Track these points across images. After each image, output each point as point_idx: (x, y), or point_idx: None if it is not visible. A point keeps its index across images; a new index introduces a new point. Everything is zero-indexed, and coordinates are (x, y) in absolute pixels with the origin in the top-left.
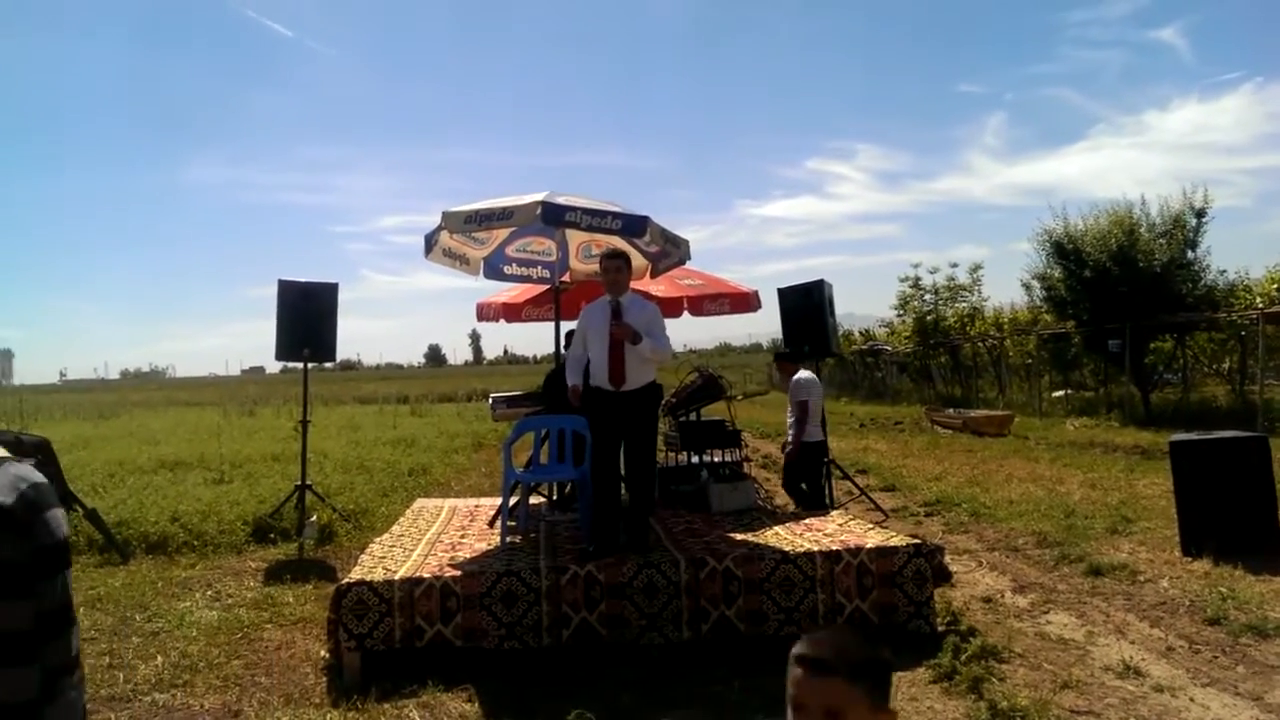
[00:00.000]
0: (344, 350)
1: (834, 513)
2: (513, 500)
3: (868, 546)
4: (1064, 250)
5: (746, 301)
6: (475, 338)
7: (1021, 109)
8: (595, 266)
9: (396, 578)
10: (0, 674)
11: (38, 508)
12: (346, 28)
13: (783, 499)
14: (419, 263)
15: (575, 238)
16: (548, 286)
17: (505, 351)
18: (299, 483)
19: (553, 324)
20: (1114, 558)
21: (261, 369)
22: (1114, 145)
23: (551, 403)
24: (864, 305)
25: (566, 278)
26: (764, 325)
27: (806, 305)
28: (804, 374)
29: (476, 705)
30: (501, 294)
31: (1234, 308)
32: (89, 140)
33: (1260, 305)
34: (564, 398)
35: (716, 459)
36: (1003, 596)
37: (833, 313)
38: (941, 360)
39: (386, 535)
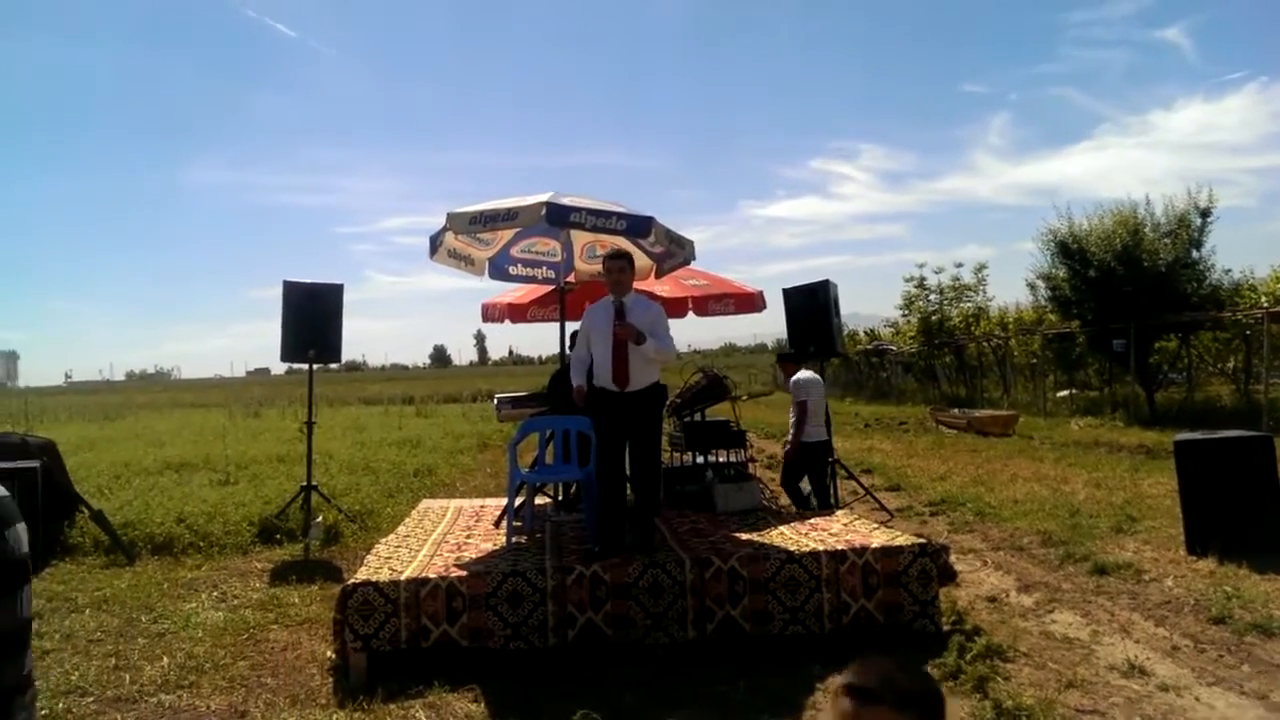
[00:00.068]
0: (349, 351)
1: (839, 512)
2: (518, 501)
3: (873, 546)
4: (1069, 250)
5: (751, 302)
6: (480, 338)
7: (1026, 109)
8: (599, 267)
9: (402, 578)
10: None
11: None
12: (349, 28)
13: (787, 499)
14: (424, 263)
15: (580, 238)
16: (553, 287)
17: (510, 352)
18: (304, 483)
19: (558, 324)
20: (1119, 557)
21: (267, 370)
22: (1119, 145)
23: (556, 403)
24: (869, 305)
25: (571, 278)
26: (769, 326)
27: (811, 305)
28: (804, 374)
29: (482, 705)
30: (506, 294)
31: (1239, 307)
32: (93, 142)
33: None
34: (569, 398)
35: (721, 459)
36: (1008, 596)
37: (838, 313)
38: (946, 360)
39: (392, 536)
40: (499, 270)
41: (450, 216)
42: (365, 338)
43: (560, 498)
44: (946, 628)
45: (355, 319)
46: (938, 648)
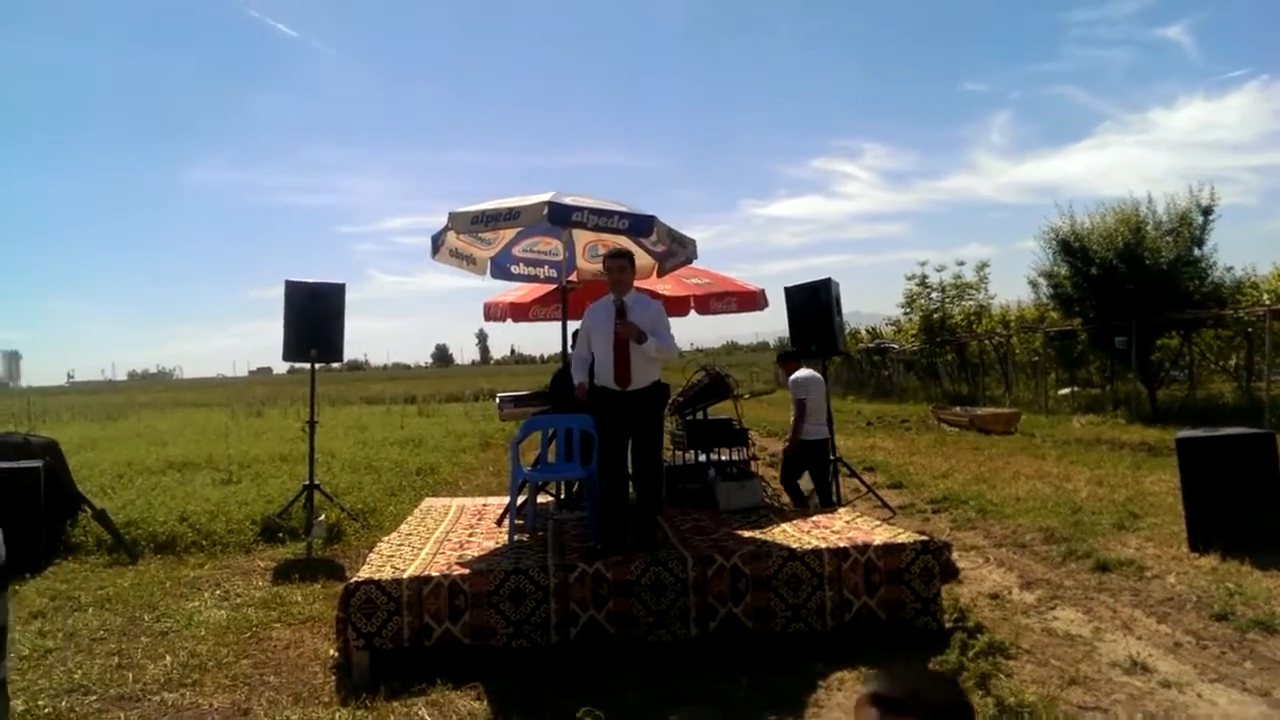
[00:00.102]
0: (351, 351)
1: (841, 510)
2: (520, 499)
3: (875, 543)
4: (1070, 248)
5: (753, 300)
6: (482, 337)
7: (1027, 107)
8: (601, 266)
9: (405, 576)
10: None
11: None
12: (350, 28)
13: (789, 497)
14: (426, 263)
15: (582, 237)
16: (555, 286)
17: (512, 351)
18: (307, 482)
19: (560, 323)
20: (1121, 554)
21: (269, 370)
22: (1120, 143)
23: (559, 402)
24: (871, 304)
25: (573, 277)
26: (771, 324)
27: (813, 304)
28: (803, 372)
29: (485, 703)
30: (509, 294)
31: (1240, 304)
32: (95, 142)
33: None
34: (571, 397)
35: (724, 457)
36: (1010, 593)
37: (839, 311)
38: (948, 358)
39: (394, 534)
40: (501, 269)
41: (452, 216)
42: (367, 337)
43: (562, 496)
44: (949, 625)
45: (357, 318)
46: (940, 645)
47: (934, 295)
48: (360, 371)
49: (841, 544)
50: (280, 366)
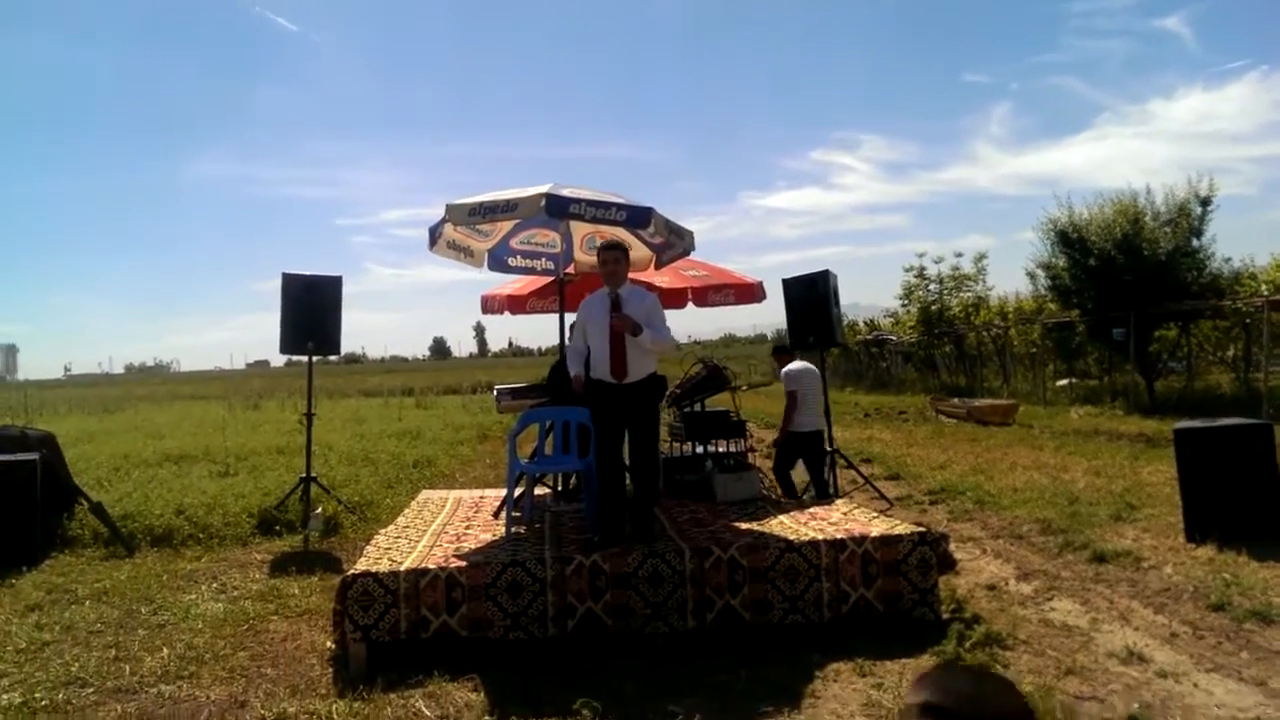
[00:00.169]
0: (348, 343)
1: (838, 501)
2: (518, 491)
3: (872, 535)
4: (1069, 239)
5: (751, 292)
6: (480, 330)
7: (1027, 99)
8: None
9: (402, 569)
10: None
11: None
12: (350, 21)
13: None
14: (423, 255)
15: (579, 229)
16: (552, 278)
17: (510, 343)
18: (304, 475)
19: (557, 315)
20: (1118, 544)
21: (266, 362)
22: (1119, 134)
23: (556, 394)
24: (869, 295)
25: (571, 269)
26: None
27: (811, 296)
28: (795, 365)
29: (482, 695)
30: (506, 286)
31: (1239, 295)
32: (95, 139)
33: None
34: (568, 389)
35: (721, 449)
36: (1007, 584)
37: (837, 303)
38: (946, 350)
39: (391, 527)
40: (498, 262)
41: (449, 208)
42: (365, 330)
43: (560, 488)
44: (946, 616)
45: (354, 311)
46: (937, 636)
47: (932, 287)
48: (357, 364)
49: (839, 536)
50: (277, 359)
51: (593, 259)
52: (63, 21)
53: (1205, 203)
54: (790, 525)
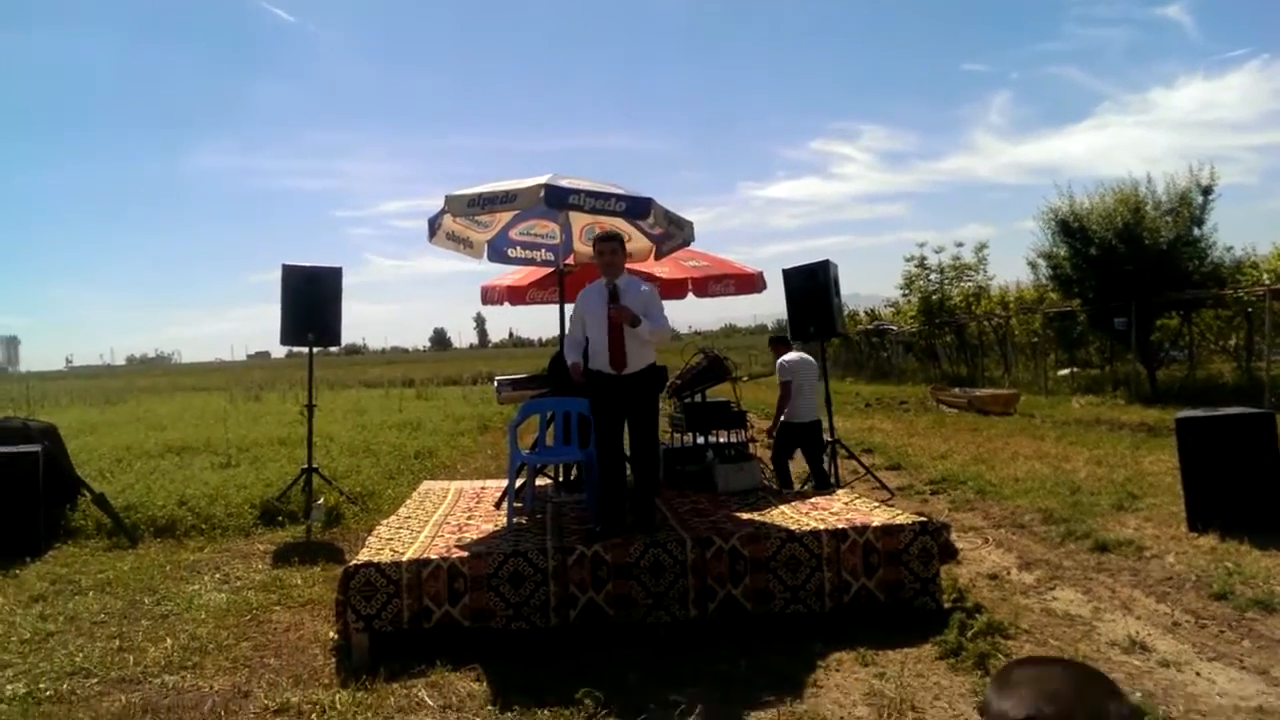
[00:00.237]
0: (349, 334)
1: (840, 491)
2: (519, 482)
3: (874, 525)
4: (1070, 228)
5: (751, 282)
6: (480, 321)
7: (1027, 87)
8: None
9: (404, 559)
10: None
11: None
12: (348, 11)
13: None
14: (423, 246)
15: (579, 220)
16: (552, 269)
17: (510, 334)
18: (306, 466)
19: (557, 306)
20: (1120, 534)
21: (267, 354)
22: (1119, 123)
23: (557, 385)
24: (869, 285)
25: (570, 260)
26: (769, 306)
27: (811, 286)
28: (791, 355)
29: (485, 685)
30: (506, 277)
31: (1240, 284)
32: (93, 129)
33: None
34: (569, 380)
35: (722, 440)
36: (1009, 573)
37: (838, 293)
38: (947, 339)
39: (393, 517)
40: (498, 253)
41: (449, 199)
42: (365, 321)
43: (561, 479)
44: (947, 605)
45: (355, 302)
46: (939, 625)
47: (933, 276)
48: (358, 355)
49: (840, 525)
50: (278, 350)
51: (591, 249)
52: (60, 13)
53: (1206, 191)
54: (791, 515)
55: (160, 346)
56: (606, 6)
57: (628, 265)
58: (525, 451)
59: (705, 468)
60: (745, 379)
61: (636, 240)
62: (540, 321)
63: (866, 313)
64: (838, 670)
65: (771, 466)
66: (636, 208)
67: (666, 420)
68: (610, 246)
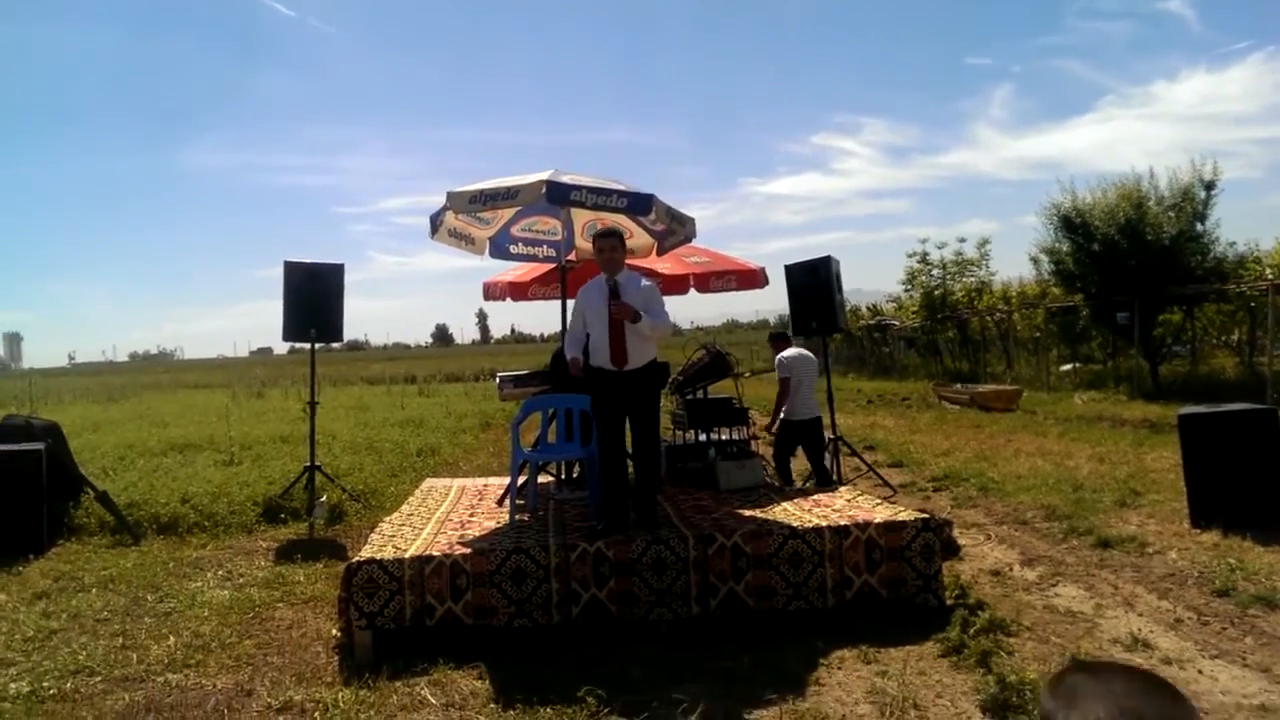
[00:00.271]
0: (351, 331)
1: (842, 488)
2: (521, 479)
3: (876, 521)
4: (1072, 224)
5: (753, 278)
6: (482, 317)
7: (1029, 81)
8: None
9: (406, 556)
10: None
11: None
12: (348, 6)
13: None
14: (425, 243)
15: (580, 216)
16: (554, 265)
17: (512, 330)
18: (308, 463)
19: (559, 302)
20: (1122, 530)
21: (270, 350)
22: (1122, 117)
23: (559, 381)
24: (871, 281)
25: (572, 256)
26: (771, 302)
27: (814, 282)
28: (789, 352)
29: (487, 682)
30: (508, 273)
31: (1243, 279)
32: (94, 125)
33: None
34: (571, 376)
35: (724, 436)
36: (1011, 570)
37: (840, 289)
38: (949, 335)
39: (396, 514)
40: (500, 249)
41: (450, 196)
42: (367, 317)
43: (563, 476)
44: (949, 602)
45: (357, 299)
46: (941, 622)
47: (935, 272)
48: (360, 352)
49: (842, 522)
50: (281, 347)
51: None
52: (60, 7)
53: (1209, 186)
54: (794, 512)
55: (163, 343)
56: (609, 2)
57: (631, 261)
58: (527, 449)
59: (708, 465)
60: (747, 375)
61: (638, 236)
62: (542, 318)
63: (868, 308)
64: (840, 667)
65: (773, 464)
66: (638, 204)
67: (668, 417)
68: (610, 243)
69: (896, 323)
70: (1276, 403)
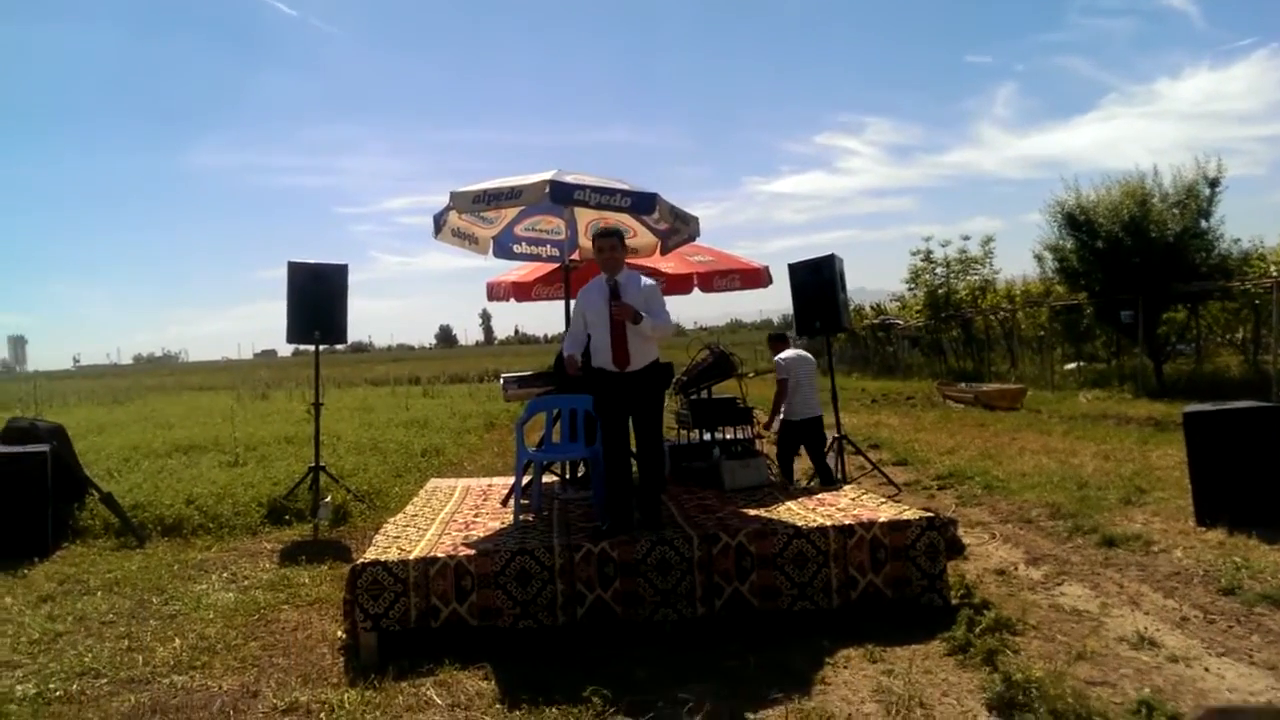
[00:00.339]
0: (355, 332)
1: (846, 487)
2: (525, 479)
3: (880, 520)
4: (1076, 221)
5: (757, 277)
6: (486, 317)
7: (1032, 79)
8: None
9: (411, 557)
10: None
11: None
12: (350, 6)
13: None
14: (428, 243)
15: (584, 216)
16: (557, 265)
17: (516, 331)
18: (313, 464)
19: (563, 302)
20: (1128, 529)
21: (274, 352)
22: (1125, 115)
23: (563, 382)
24: (875, 280)
25: (576, 256)
26: (775, 301)
27: (817, 280)
28: (787, 353)
29: (493, 683)
30: (511, 273)
31: (1248, 277)
32: (94, 125)
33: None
34: (576, 377)
35: (728, 436)
36: (1016, 569)
37: (844, 288)
38: (953, 334)
39: (400, 515)
40: (503, 249)
41: (454, 195)
42: (371, 318)
43: (567, 476)
44: (955, 601)
45: (360, 299)
46: (946, 621)
47: (939, 270)
48: (364, 353)
49: (847, 521)
50: (285, 349)
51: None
52: (61, 7)
53: (1213, 183)
54: (798, 511)
55: (167, 345)
56: (611, 1)
57: (635, 260)
58: (532, 449)
59: (712, 464)
60: (751, 375)
61: (642, 236)
62: (546, 318)
63: (872, 307)
64: (845, 667)
65: (777, 464)
66: (642, 203)
67: (673, 417)
68: (610, 242)
69: (900, 322)
70: None
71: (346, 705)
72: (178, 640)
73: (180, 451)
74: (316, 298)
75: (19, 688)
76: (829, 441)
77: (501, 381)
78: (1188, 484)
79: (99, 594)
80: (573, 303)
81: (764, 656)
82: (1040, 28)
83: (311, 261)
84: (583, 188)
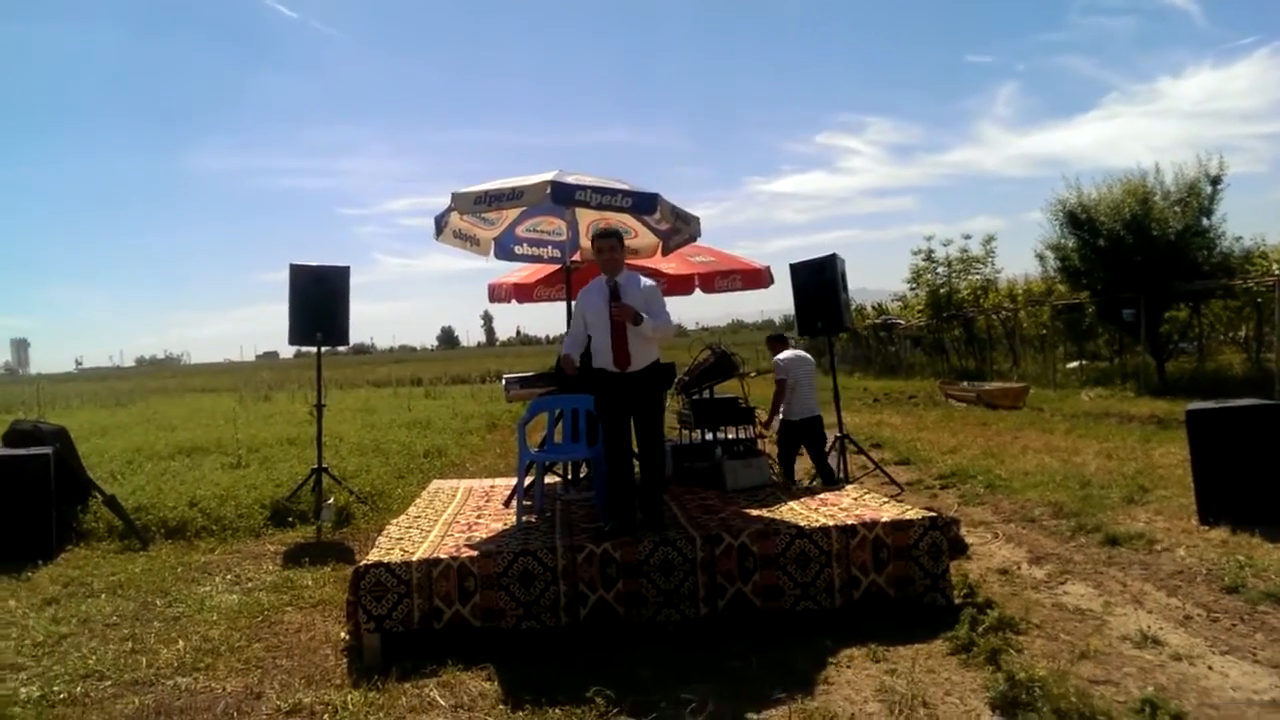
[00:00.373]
0: (357, 334)
1: (849, 487)
2: (528, 480)
3: (883, 520)
4: (1077, 220)
5: (758, 277)
6: (488, 319)
7: (1033, 78)
8: None
9: (414, 559)
10: None
11: None
12: (351, 7)
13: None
14: (429, 244)
15: (585, 216)
16: (559, 266)
17: (518, 332)
18: (315, 466)
19: (564, 304)
20: (1130, 527)
21: (276, 354)
22: (1127, 113)
23: (564, 382)
24: (877, 280)
25: (577, 257)
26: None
27: (819, 280)
28: (786, 354)
29: (496, 684)
30: (513, 274)
31: (1250, 275)
32: (94, 126)
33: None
34: (578, 377)
35: (730, 436)
36: (1019, 568)
37: (845, 288)
38: (955, 333)
39: (403, 516)
40: (504, 250)
41: (455, 196)
42: (372, 320)
43: (570, 477)
44: (958, 601)
45: (362, 301)
46: (949, 621)
47: (940, 270)
48: (366, 354)
49: (849, 521)
50: (287, 351)
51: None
52: (61, 8)
53: (1215, 181)
54: (801, 511)
55: (169, 347)
56: (612, 1)
57: (636, 261)
58: (534, 449)
59: (714, 464)
60: (753, 375)
61: (643, 236)
62: (547, 319)
63: (874, 307)
64: (849, 666)
65: (779, 464)
66: (643, 203)
67: (674, 417)
68: (609, 243)
69: (902, 321)
70: None
71: (350, 706)
72: (181, 642)
73: (183, 454)
74: (318, 300)
75: (23, 690)
76: (830, 441)
77: (504, 382)
78: (1190, 482)
79: (103, 596)
80: (574, 304)
81: (767, 656)
82: (1041, 27)
83: (313, 264)
84: (584, 188)
